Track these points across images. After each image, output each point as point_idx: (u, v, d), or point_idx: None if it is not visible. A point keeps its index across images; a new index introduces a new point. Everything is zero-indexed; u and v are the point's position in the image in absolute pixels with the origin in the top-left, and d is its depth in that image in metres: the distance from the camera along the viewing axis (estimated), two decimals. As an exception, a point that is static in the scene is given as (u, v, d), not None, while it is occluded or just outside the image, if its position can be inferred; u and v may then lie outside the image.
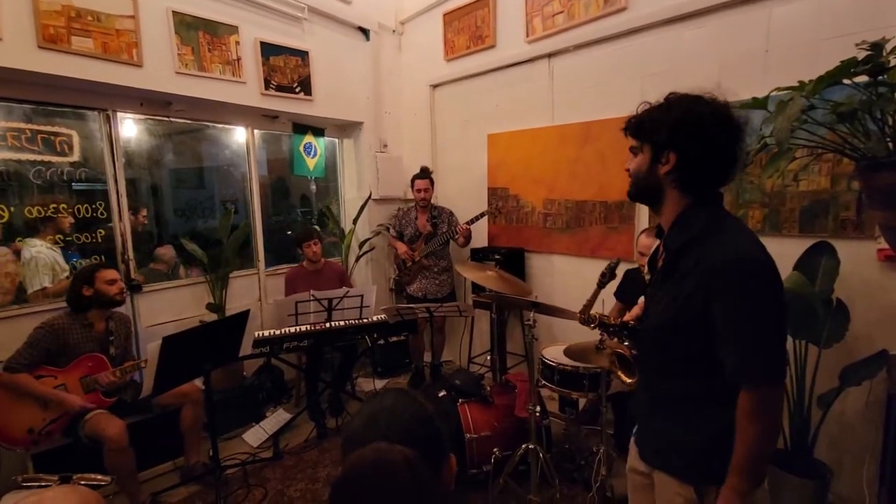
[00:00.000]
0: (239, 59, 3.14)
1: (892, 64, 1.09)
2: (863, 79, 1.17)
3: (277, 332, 2.83)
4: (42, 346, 2.18)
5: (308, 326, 2.90)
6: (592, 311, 1.38)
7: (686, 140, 1.01)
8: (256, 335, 2.77)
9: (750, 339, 0.96)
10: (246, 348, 2.64)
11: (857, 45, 1.18)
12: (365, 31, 3.93)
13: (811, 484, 2.04)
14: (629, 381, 1.29)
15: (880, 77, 1.12)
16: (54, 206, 2.67)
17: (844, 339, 2.03)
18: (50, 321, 2.25)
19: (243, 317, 2.42)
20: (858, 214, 2.01)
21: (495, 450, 2.33)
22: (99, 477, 1.27)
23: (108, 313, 2.40)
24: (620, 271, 2.64)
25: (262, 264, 3.67)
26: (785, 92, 1.23)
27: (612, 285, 2.64)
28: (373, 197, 4.06)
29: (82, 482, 1.22)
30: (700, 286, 1.00)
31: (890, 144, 1.11)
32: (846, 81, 1.18)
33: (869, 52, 1.14)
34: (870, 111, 1.11)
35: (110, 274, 2.37)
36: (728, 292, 0.97)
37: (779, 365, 0.97)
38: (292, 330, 2.85)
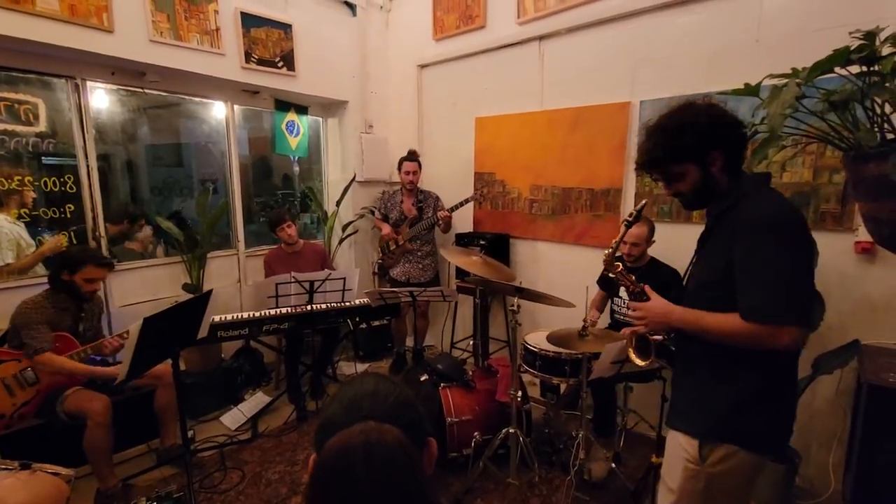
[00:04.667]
0: (218, 29, 3.00)
1: (884, 53, 1.09)
2: (854, 69, 1.17)
3: (229, 316, 2.75)
4: (43, 321, 2.15)
5: (288, 309, 2.85)
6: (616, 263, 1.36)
7: (721, 135, 1.15)
8: (213, 319, 2.64)
9: (757, 284, 1.06)
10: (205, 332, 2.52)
11: (850, 33, 1.17)
12: (351, 7, 3.80)
13: (780, 468, 2.10)
14: (641, 363, 1.34)
15: (873, 66, 1.11)
16: (18, 178, 2.53)
17: (819, 329, 2.08)
18: (31, 300, 2.18)
19: (205, 298, 2.32)
20: (842, 205, 2.04)
21: (476, 434, 2.34)
22: (63, 471, 1.22)
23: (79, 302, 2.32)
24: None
25: (241, 245, 3.58)
26: (777, 79, 1.21)
27: (596, 274, 2.67)
28: (357, 179, 3.97)
29: (45, 471, 1.16)
30: (729, 243, 1.12)
31: (879, 134, 1.11)
32: (837, 70, 1.17)
33: (862, 41, 1.13)
34: (862, 100, 1.10)
35: (94, 273, 2.27)
36: (745, 243, 1.09)
37: (783, 309, 1.03)
38: (258, 314, 2.77)
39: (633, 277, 1.34)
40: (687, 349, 1.23)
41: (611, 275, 1.35)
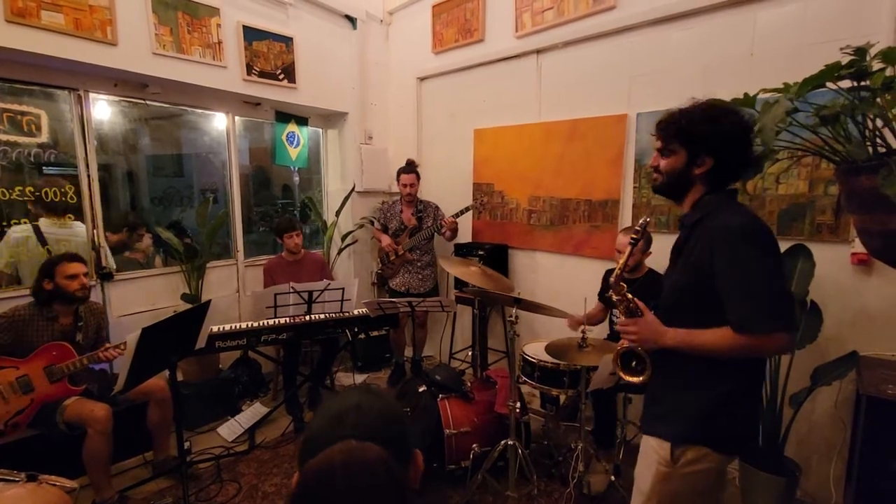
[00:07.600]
0: (220, 42, 3.04)
1: (874, 69, 1.11)
2: (845, 83, 1.18)
3: (227, 326, 2.73)
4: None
5: (287, 319, 2.85)
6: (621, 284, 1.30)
7: (726, 149, 1.16)
8: (212, 329, 2.61)
9: (744, 295, 1.09)
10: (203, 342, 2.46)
11: (841, 49, 1.19)
12: (352, 20, 3.85)
13: (781, 481, 2.09)
14: (638, 380, 1.29)
15: (863, 82, 1.13)
16: (20, 188, 2.55)
17: (817, 340, 2.08)
18: (9, 313, 2.16)
19: (203, 308, 2.32)
20: (836, 217, 2.06)
21: (474, 445, 2.33)
22: (68, 484, 1.21)
23: (75, 306, 2.30)
24: (602, 273, 2.67)
25: (240, 255, 3.59)
26: (770, 94, 1.23)
27: (595, 284, 2.68)
28: (357, 189, 4.00)
29: (50, 483, 1.16)
30: (705, 249, 1.15)
31: (870, 148, 1.13)
32: (829, 85, 1.19)
33: (853, 57, 1.15)
34: (852, 114, 1.12)
35: (72, 268, 2.24)
36: (724, 253, 1.11)
37: (772, 318, 1.07)
38: (256, 324, 2.75)
39: (634, 298, 1.29)
40: (664, 360, 1.24)
41: (616, 297, 1.29)
